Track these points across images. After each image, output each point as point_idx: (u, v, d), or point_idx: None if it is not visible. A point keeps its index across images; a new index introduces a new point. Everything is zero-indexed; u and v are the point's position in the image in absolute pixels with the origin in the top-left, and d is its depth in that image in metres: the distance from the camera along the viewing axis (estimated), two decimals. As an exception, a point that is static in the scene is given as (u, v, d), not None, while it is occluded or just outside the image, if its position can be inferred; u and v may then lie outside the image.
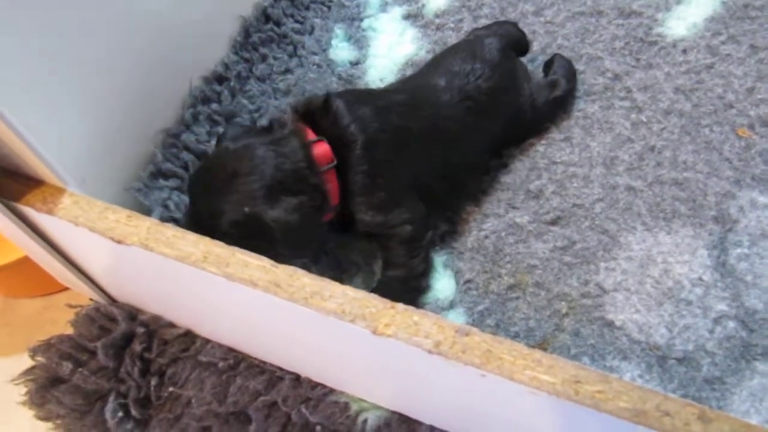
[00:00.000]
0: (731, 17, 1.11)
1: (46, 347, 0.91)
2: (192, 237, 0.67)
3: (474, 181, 0.99)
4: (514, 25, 1.09)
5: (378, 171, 0.85)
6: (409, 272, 0.88)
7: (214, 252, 0.66)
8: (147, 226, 0.68)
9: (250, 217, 0.78)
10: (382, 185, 0.86)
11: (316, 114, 0.86)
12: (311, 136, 0.84)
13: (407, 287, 0.89)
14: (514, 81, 1.00)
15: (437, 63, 0.99)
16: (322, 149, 0.83)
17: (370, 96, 0.91)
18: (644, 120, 1.02)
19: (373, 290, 0.83)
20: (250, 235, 0.77)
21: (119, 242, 0.68)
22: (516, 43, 1.04)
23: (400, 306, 0.62)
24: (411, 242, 0.88)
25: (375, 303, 0.62)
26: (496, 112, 0.97)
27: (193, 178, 0.88)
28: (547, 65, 1.08)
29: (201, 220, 0.81)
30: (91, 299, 0.95)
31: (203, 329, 0.88)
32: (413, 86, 0.95)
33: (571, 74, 1.06)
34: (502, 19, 1.13)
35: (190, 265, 0.66)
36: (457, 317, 0.89)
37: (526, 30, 1.10)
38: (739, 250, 0.91)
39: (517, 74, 1.01)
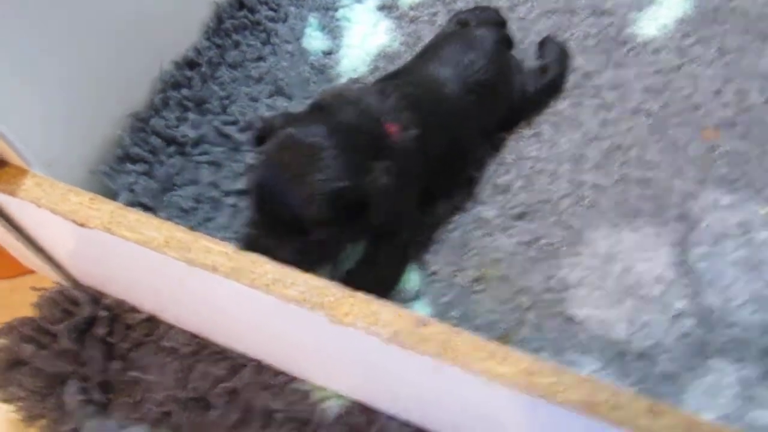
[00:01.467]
0: (702, 19, 1.12)
1: (8, 329, 0.90)
2: (155, 221, 0.67)
3: (467, 172, 1.00)
4: (496, 11, 1.09)
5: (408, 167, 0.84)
6: (388, 272, 0.89)
7: (176, 237, 0.66)
8: (110, 209, 0.68)
9: (344, 191, 0.73)
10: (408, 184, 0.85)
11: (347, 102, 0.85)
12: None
13: (384, 286, 0.88)
14: (508, 74, 1.01)
15: (437, 53, 0.99)
16: (394, 128, 0.82)
17: (388, 89, 0.89)
18: (612, 118, 1.04)
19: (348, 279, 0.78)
20: (346, 213, 0.74)
21: (82, 225, 0.68)
22: (503, 36, 1.05)
23: (360, 295, 0.62)
24: (400, 245, 0.89)
25: (334, 292, 0.62)
26: (493, 104, 0.98)
27: (259, 177, 0.77)
28: (540, 48, 1.10)
29: (280, 217, 0.74)
30: (55, 282, 0.94)
31: (166, 314, 0.88)
32: (419, 79, 0.95)
33: (562, 58, 1.07)
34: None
35: (152, 249, 0.66)
36: (422, 308, 0.90)
37: (499, 26, 1.10)
38: (700, 250, 0.93)
39: (510, 67, 1.02)
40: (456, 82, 0.94)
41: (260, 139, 0.80)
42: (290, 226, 0.71)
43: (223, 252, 0.65)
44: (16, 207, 0.74)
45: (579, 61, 1.09)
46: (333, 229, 0.73)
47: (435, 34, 1.11)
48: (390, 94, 0.87)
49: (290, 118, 0.80)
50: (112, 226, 0.67)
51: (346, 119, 0.79)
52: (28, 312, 0.92)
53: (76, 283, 0.92)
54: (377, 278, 0.88)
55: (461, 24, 1.07)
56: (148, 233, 0.66)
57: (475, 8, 1.10)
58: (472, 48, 0.98)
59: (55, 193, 0.70)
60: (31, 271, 1.02)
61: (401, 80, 0.94)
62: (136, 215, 0.68)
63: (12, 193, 0.70)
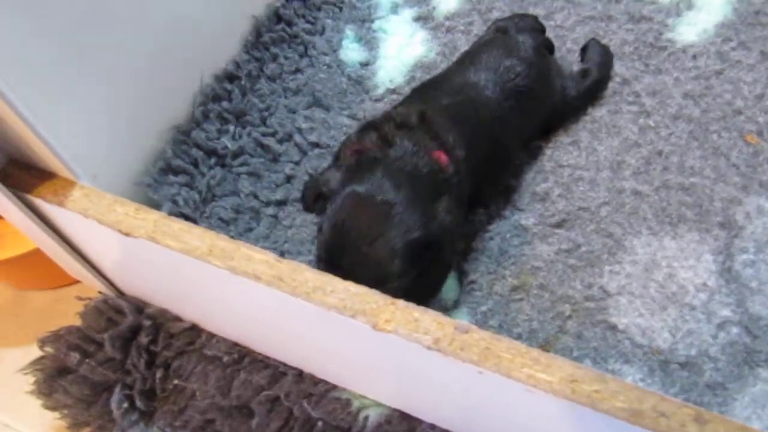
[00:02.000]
0: (742, 23, 1.11)
1: (54, 338, 0.92)
2: (198, 230, 0.68)
3: (506, 180, 1.00)
4: (535, 18, 1.09)
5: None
6: (430, 281, 0.86)
7: (219, 246, 0.67)
8: (154, 219, 0.70)
9: (418, 242, 0.75)
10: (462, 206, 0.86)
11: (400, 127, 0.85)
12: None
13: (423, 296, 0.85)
14: (548, 79, 1.00)
15: (475, 58, 0.99)
16: (438, 155, 0.83)
17: (434, 101, 0.91)
18: (652, 125, 1.03)
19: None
20: (423, 261, 0.76)
21: (127, 235, 0.69)
22: (543, 41, 1.05)
23: (401, 302, 0.62)
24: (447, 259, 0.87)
25: (376, 299, 0.63)
26: (533, 110, 0.98)
27: (331, 240, 0.77)
28: (583, 51, 1.09)
29: (358, 278, 0.69)
30: (99, 292, 0.96)
31: (208, 323, 0.89)
32: (459, 85, 0.95)
33: (604, 61, 1.07)
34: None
35: (196, 258, 0.67)
36: (461, 317, 0.90)
37: (535, 34, 1.10)
38: (744, 256, 0.91)
39: (551, 71, 1.02)
40: (495, 87, 0.94)
41: (312, 199, 0.85)
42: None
43: (264, 260, 0.65)
44: (63, 217, 0.76)
45: (617, 68, 1.08)
46: (411, 279, 0.74)
47: (471, 44, 1.12)
48: (429, 115, 0.87)
49: (345, 176, 0.80)
50: (156, 236, 0.68)
51: (402, 164, 0.79)
52: (73, 321, 0.94)
53: (120, 293, 0.94)
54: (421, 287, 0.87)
55: (500, 32, 1.07)
56: (191, 242, 0.67)
57: (514, 16, 1.11)
58: (511, 53, 0.97)
59: (101, 203, 0.71)
60: (76, 282, 1.05)
61: (438, 90, 0.95)
62: (179, 224, 0.69)
63: (60, 204, 0.72)
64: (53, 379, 0.89)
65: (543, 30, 1.08)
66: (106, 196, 0.72)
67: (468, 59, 1.01)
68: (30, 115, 0.70)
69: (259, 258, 0.66)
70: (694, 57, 1.08)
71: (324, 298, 0.63)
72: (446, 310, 0.91)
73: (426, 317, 0.61)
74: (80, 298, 0.95)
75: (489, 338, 0.60)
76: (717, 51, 1.08)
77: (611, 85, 1.07)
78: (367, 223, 0.75)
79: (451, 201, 0.79)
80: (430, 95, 0.94)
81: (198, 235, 0.68)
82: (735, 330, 0.86)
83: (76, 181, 0.75)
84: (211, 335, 0.90)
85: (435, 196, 0.79)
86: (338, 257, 0.75)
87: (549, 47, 1.06)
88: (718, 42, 1.09)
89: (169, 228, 0.69)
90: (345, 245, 0.75)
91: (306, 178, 1.02)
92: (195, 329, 0.91)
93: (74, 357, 0.89)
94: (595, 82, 1.05)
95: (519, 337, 0.88)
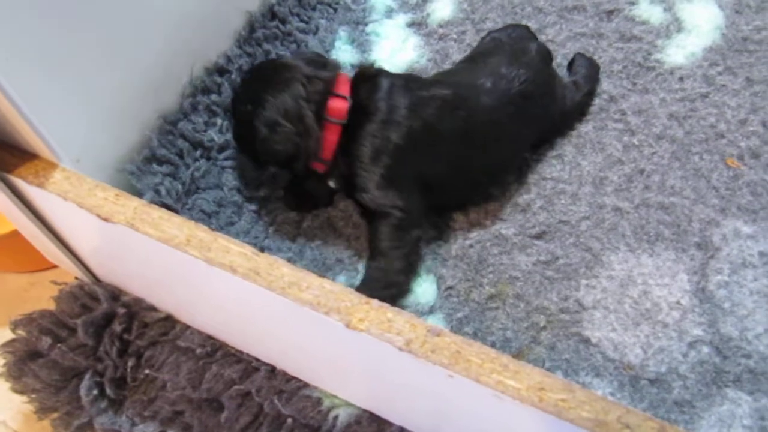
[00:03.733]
0: (729, 49, 1.12)
1: (27, 321, 0.91)
2: (177, 219, 0.68)
3: (497, 185, 1.01)
4: (527, 29, 1.11)
5: (386, 150, 0.88)
6: (390, 265, 0.89)
7: (197, 236, 0.67)
8: (134, 206, 0.69)
9: (247, 115, 0.90)
10: (385, 164, 0.88)
11: (365, 80, 0.91)
12: (343, 90, 0.90)
13: (388, 281, 0.89)
14: (552, 87, 1.01)
15: (482, 61, 1.00)
16: (339, 104, 0.89)
17: (416, 83, 0.93)
18: (636, 143, 1.04)
19: (357, 287, 0.85)
20: (246, 129, 0.90)
21: (106, 220, 0.69)
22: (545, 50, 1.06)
23: (375, 302, 0.63)
24: (397, 230, 0.89)
25: (350, 297, 0.63)
26: (534, 117, 0.98)
27: (253, 68, 0.97)
28: (570, 65, 1.11)
29: (236, 98, 0.95)
30: (76, 278, 0.96)
31: (184, 315, 0.89)
32: (458, 82, 0.96)
33: (591, 74, 1.08)
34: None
35: (173, 247, 0.67)
36: (436, 323, 0.90)
37: (526, 46, 1.12)
38: (719, 278, 0.92)
39: (554, 80, 1.03)
40: (497, 91, 0.94)
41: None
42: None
43: (241, 253, 0.66)
44: (43, 199, 0.75)
45: (605, 85, 1.09)
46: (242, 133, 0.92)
47: (462, 52, 1.13)
48: (410, 89, 0.90)
49: (304, 56, 0.95)
50: (135, 222, 0.68)
51: (309, 82, 0.89)
52: (47, 305, 0.93)
53: (96, 279, 0.94)
54: (387, 271, 0.90)
55: (495, 42, 1.08)
56: (170, 231, 0.67)
57: (507, 27, 1.12)
58: (518, 59, 0.98)
59: (82, 187, 0.71)
60: (53, 267, 1.04)
61: (442, 78, 0.97)
62: (159, 212, 0.69)
63: (41, 185, 0.72)
64: (23, 362, 0.89)
65: (535, 40, 1.09)
66: (87, 180, 0.72)
67: (475, 58, 1.02)
68: (15, 95, 0.69)
69: (237, 250, 0.66)
70: (681, 79, 1.10)
71: (299, 293, 0.63)
72: (422, 314, 0.91)
73: (399, 318, 0.62)
74: (56, 283, 0.94)
75: (460, 342, 0.60)
76: (704, 74, 1.10)
77: (598, 101, 1.08)
78: (261, 78, 0.92)
79: (292, 136, 0.88)
80: (430, 83, 0.94)
81: (177, 224, 0.68)
82: (705, 349, 0.87)
83: (57, 164, 0.75)
84: (186, 327, 0.90)
85: (289, 120, 0.88)
86: (244, 79, 0.96)
87: (549, 56, 1.07)
88: (705, 66, 1.11)
89: (148, 216, 0.69)
90: (248, 75, 0.96)
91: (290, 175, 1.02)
92: (170, 320, 0.91)
93: (46, 341, 0.88)
94: (585, 95, 1.06)
95: (493, 346, 0.88)
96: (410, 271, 0.92)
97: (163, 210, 0.69)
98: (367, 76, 0.92)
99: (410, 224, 0.90)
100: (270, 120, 0.88)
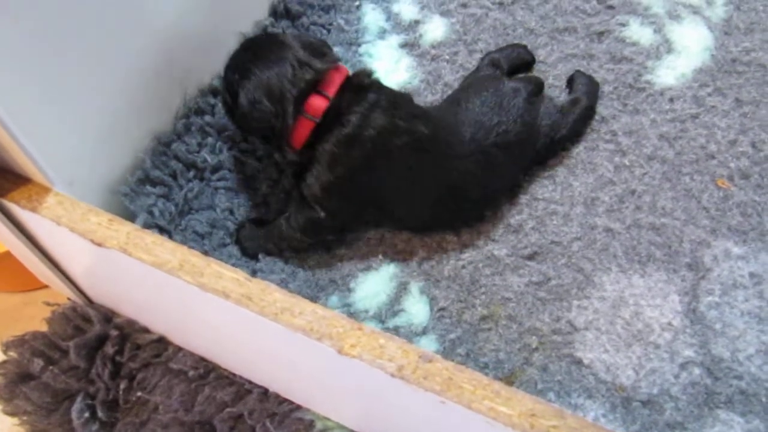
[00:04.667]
0: (719, 70, 1.13)
1: (19, 342, 0.91)
2: (170, 244, 0.68)
3: (462, 220, 1.01)
4: (526, 49, 1.13)
5: (342, 162, 0.90)
6: (291, 239, 0.96)
7: (190, 261, 0.67)
8: (127, 231, 0.70)
9: (233, 84, 0.91)
10: (338, 174, 0.90)
11: (354, 87, 0.91)
12: (328, 89, 0.89)
13: (280, 245, 0.97)
14: (534, 130, 1.01)
15: (466, 104, 0.99)
16: (319, 102, 0.89)
17: (401, 109, 0.93)
18: (627, 163, 1.04)
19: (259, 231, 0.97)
20: (231, 97, 0.92)
21: (99, 245, 0.69)
22: (536, 85, 1.06)
23: (367, 327, 0.63)
24: (314, 225, 0.94)
25: (342, 323, 0.63)
26: (506, 165, 0.98)
27: (250, 39, 0.99)
28: (569, 82, 1.12)
29: (227, 65, 0.94)
30: (68, 298, 0.96)
31: (176, 337, 0.89)
32: (439, 124, 0.95)
33: (591, 90, 1.09)
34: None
35: (166, 272, 0.67)
36: (429, 344, 0.90)
37: (518, 67, 1.13)
38: (710, 298, 0.93)
39: (536, 120, 1.01)
40: (473, 141, 0.95)
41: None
42: None
43: (234, 278, 0.66)
44: (36, 223, 0.76)
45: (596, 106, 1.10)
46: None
47: (455, 72, 1.14)
48: (393, 114, 0.90)
49: (305, 40, 0.94)
50: (128, 247, 0.68)
51: (300, 69, 0.89)
52: (39, 325, 0.93)
53: (89, 301, 0.94)
54: (285, 239, 0.96)
55: (494, 64, 1.09)
56: (163, 256, 0.68)
57: (506, 47, 1.13)
58: (501, 106, 0.98)
59: (75, 212, 0.71)
60: (46, 286, 1.04)
61: (430, 111, 0.98)
62: (152, 237, 0.69)
63: (34, 210, 0.72)
64: (15, 384, 0.88)
65: (533, 60, 1.12)
66: (80, 205, 0.72)
67: (462, 98, 1.02)
68: (7, 119, 0.70)
69: (229, 276, 0.66)
70: (671, 100, 1.11)
71: (291, 319, 0.63)
72: (415, 335, 0.91)
73: (391, 344, 0.62)
74: (49, 304, 0.94)
75: (452, 368, 0.61)
76: (694, 95, 1.11)
77: (590, 122, 1.08)
78: (256, 52, 0.92)
79: (269, 118, 0.89)
80: (414, 114, 0.94)
81: (170, 249, 0.68)
82: (697, 371, 0.87)
83: (51, 188, 0.75)
84: (178, 348, 0.90)
85: (270, 100, 0.88)
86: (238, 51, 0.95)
87: (539, 86, 1.07)
88: (695, 87, 1.12)
89: (141, 240, 0.69)
90: (242, 47, 0.95)
91: (282, 196, 1.02)
92: (162, 341, 0.91)
93: (38, 363, 0.88)
94: (585, 109, 1.06)
95: (485, 367, 0.88)
96: (299, 250, 0.98)
97: (156, 235, 0.69)
98: (358, 85, 0.92)
99: (327, 228, 0.96)
100: (252, 94, 0.89)
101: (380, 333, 0.63)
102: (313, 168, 0.91)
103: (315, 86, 0.89)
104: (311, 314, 0.64)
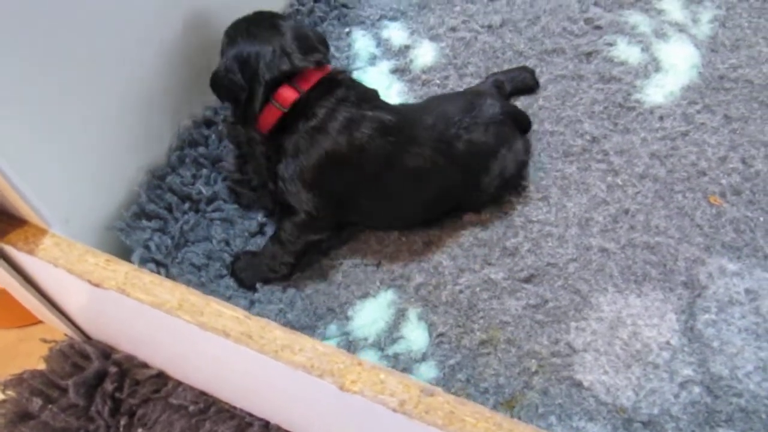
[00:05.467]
0: (707, 87, 1.15)
1: (17, 381, 0.91)
2: (168, 284, 0.69)
3: (430, 216, 1.03)
4: (532, 74, 1.16)
5: (309, 153, 0.92)
6: (281, 255, 0.96)
7: (189, 300, 0.67)
8: (125, 271, 0.70)
9: (222, 44, 0.95)
10: (303, 165, 0.92)
11: (326, 82, 0.93)
12: (303, 83, 0.92)
13: (272, 266, 0.97)
14: (486, 163, 1.00)
15: (438, 101, 1.03)
16: (288, 94, 0.92)
17: (369, 103, 0.95)
18: (620, 183, 1.05)
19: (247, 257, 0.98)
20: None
21: (97, 286, 0.69)
22: (522, 121, 1.07)
23: (367, 363, 0.63)
24: (299, 229, 0.95)
25: (343, 359, 0.63)
26: (463, 165, 0.99)
27: (256, 13, 0.99)
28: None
29: (228, 28, 0.97)
30: (65, 334, 0.95)
31: (175, 371, 0.88)
32: (405, 112, 0.98)
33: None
34: (486, 76, 1.17)
35: (165, 312, 0.67)
36: (429, 370, 0.90)
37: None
38: (706, 316, 0.93)
39: (495, 157, 1.00)
40: (433, 131, 0.96)
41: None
42: None
43: (234, 317, 0.66)
44: (32, 264, 0.75)
45: (587, 126, 1.11)
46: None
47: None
48: (360, 106, 0.93)
49: (296, 27, 0.97)
50: (126, 288, 0.68)
51: (278, 57, 0.91)
52: (37, 362, 0.93)
53: (86, 337, 0.93)
54: (275, 258, 0.97)
55: (497, 85, 1.11)
56: (161, 296, 0.68)
57: (513, 70, 1.16)
58: (472, 108, 1.00)
59: (72, 253, 0.71)
60: (41, 321, 1.03)
61: (399, 106, 1.00)
62: (150, 277, 0.69)
63: (31, 252, 0.72)
64: (14, 424, 0.88)
65: (536, 86, 1.15)
66: (77, 246, 0.72)
67: (434, 99, 1.05)
68: (2, 161, 0.70)
69: (229, 314, 0.66)
70: (661, 118, 1.12)
71: (292, 356, 0.63)
72: (415, 362, 0.91)
73: (392, 378, 0.62)
74: (45, 341, 0.94)
75: (453, 402, 0.61)
76: (683, 113, 1.12)
77: (581, 142, 1.09)
78: (249, 26, 0.95)
79: (240, 95, 0.93)
80: (380, 107, 0.96)
81: (168, 289, 0.68)
82: (696, 389, 0.88)
83: (47, 229, 0.75)
84: (178, 383, 0.90)
85: (244, 77, 0.92)
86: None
87: (525, 124, 1.08)
88: (684, 104, 1.13)
89: (139, 280, 0.69)
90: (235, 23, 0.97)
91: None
92: (161, 376, 0.90)
93: (36, 402, 0.88)
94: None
95: (486, 392, 0.88)
96: (295, 265, 0.98)
97: (155, 275, 0.69)
98: (330, 80, 0.94)
99: (312, 228, 0.96)
100: (230, 62, 0.92)
101: (381, 368, 0.63)
102: (282, 159, 0.94)
103: (289, 78, 0.92)
104: (311, 351, 0.64)
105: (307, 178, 0.93)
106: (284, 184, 0.94)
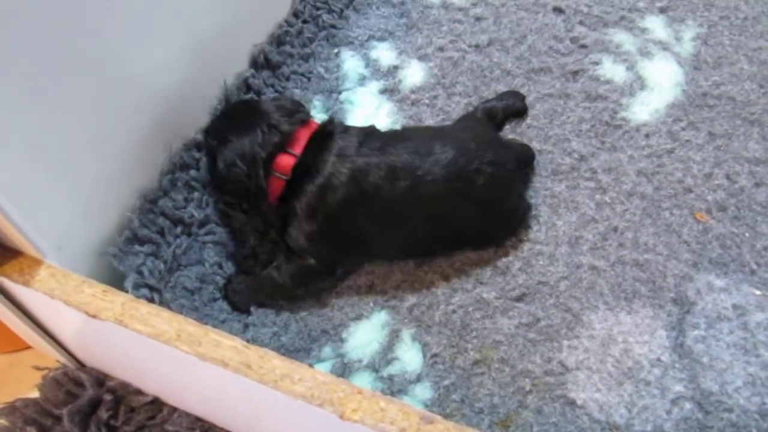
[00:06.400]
0: (691, 105, 1.17)
1: (10, 410, 0.90)
2: (166, 314, 0.69)
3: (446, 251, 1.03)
4: (522, 100, 1.16)
5: (320, 210, 0.94)
6: (287, 290, 0.98)
7: (187, 330, 0.67)
8: (122, 302, 0.70)
9: (212, 149, 0.98)
10: (317, 221, 0.94)
11: (319, 138, 0.96)
12: (296, 147, 0.94)
13: (277, 294, 0.99)
14: (507, 192, 1.00)
15: (453, 133, 1.02)
16: (286, 161, 0.94)
17: (371, 145, 0.95)
18: (608, 201, 1.07)
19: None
20: (211, 160, 0.99)
21: (94, 317, 0.69)
22: (525, 159, 1.08)
23: (367, 391, 0.63)
24: (307, 274, 0.97)
25: (342, 387, 0.64)
26: (481, 203, 0.97)
27: (230, 105, 1.07)
28: None
29: (207, 129, 1.02)
30: (58, 361, 0.95)
31: (171, 397, 0.88)
32: (415, 148, 0.96)
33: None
34: (476, 97, 1.18)
35: (163, 342, 0.67)
36: (424, 391, 0.91)
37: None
38: (696, 332, 0.95)
39: (514, 188, 1.02)
40: (450, 167, 0.94)
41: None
42: None
43: (232, 346, 0.66)
44: (27, 295, 0.75)
45: (574, 145, 1.12)
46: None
47: (435, 116, 1.16)
48: (361, 153, 0.94)
49: (279, 101, 1.02)
50: (124, 319, 0.68)
51: (269, 132, 0.94)
52: (28, 388, 0.92)
53: (80, 364, 0.93)
54: (281, 290, 0.98)
55: (488, 114, 1.11)
56: (159, 326, 0.68)
57: (502, 95, 1.16)
58: (488, 145, 0.98)
59: (69, 284, 0.71)
60: (31, 346, 1.03)
61: (397, 142, 0.98)
62: (147, 308, 0.69)
63: (26, 284, 0.72)
64: (7, 454, 0.87)
65: (525, 110, 1.16)
66: (73, 277, 0.72)
67: (448, 129, 1.05)
68: (-4, 194, 0.70)
69: (227, 344, 0.66)
70: (647, 136, 1.13)
71: (291, 386, 0.64)
72: (410, 383, 0.92)
73: (392, 407, 0.63)
74: (38, 368, 0.93)
75: (453, 428, 0.61)
76: (668, 130, 1.14)
77: (569, 160, 1.11)
78: (233, 118, 0.99)
79: (243, 180, 0.94)
80: (383, 148, 0.95)
81: (166, 319, 0.68)
82: (688, 405, 0.89)
83: (42, 260, 0.75)
84: (173, 409, 0.89)
85: (243, 161, 0.94)
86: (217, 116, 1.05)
87: (528, 157, 1.08)
88: (669, 122, 1.15)
89: (137, 311, 0.69)
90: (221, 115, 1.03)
91: (271, 246, 1.03)
92: (156, 403, 0.90)
93: (31, 432, 0.87)
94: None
95: (480, 412, 0.89)
96: (292, 299, 1.00)
97: (152, 305, 0.69)
98: (322, 134, 0.96)
99: (320, 274, 0.98)
100: (228, 159, 0.94)
101: (380, 396, 0.63)
102: (293, 221, 0.95)
103: (282, 146, 0.94)
104: (311, 380, 0.64)
105: (321, 230, 0.95)
106: (295, 241, 0.96)
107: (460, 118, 1.13)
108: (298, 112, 0.98)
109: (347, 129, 0.98)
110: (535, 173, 1.10)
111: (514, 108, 1.15)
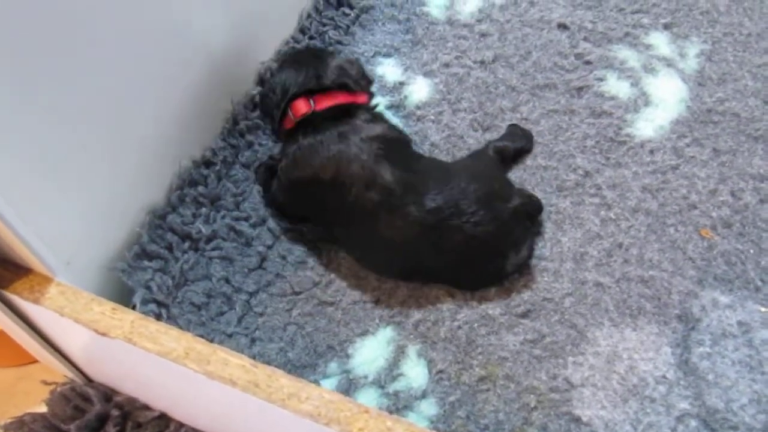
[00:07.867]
0: (695, 121, 1.17)
1: (18, 425, 0.91)
2: (174, 332, 0.69)
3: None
4: (530, 140, 1.15)
5: (296, 167, 0.99)
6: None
7: (195, 349, 0.68)
8: (131, 320, 0.70)
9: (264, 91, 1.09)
10: (287, 179, 1.01)
11: (341, 113, 1.00)
12: (320, 104, 0.99)
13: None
14: (495, 253, 0.98)
15: (458, 181, 0.97)
16: (300, 106, 1.00)
17: (375, 147, 0.97)
18: (613, 217, 1.07)
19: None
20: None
21: (104, 335, 0.70)
22: (530, 212, 1.03)
23: (374, 410, 0.64)
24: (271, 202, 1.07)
25: (349, 406, 0.64)
26: (454, 256, 0.97)
27: (308, 45, 1.23)
28: None
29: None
30: (65, 376, 0.95)
31: (178, 413, 0.89)
32: (411, 179, 0.96)
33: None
34: (481, 113, 1.19)
35: (172, 360, 0.67)
36: (429, 408, 0.91)
37: (502, 125, 1.16)
38: (701, 349, 0.95)
39: (507, 251, 0.98)
40: (433, 214, 0.94)
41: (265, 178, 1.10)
42: None
43: (240, 365, 0.67)
44: (37, 312, 0.76)
45: (579, 161, 1.13)
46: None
47: (440, 132, 1.16)
48: (363, 139, 0.97)
49: (329, 55, 1.08)
50: (133, 337, 0.69)
51: (308, 73, 1.01)
52: (35, 401, 0.93)
53: (87, 379, 0.93)
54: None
55: (500, 153, 1.09)
56: (168, 344, 0.68)
57: (514, 135, 1.14)
58: (485, 203, 0.95)
59: (78, 302, 0.72)
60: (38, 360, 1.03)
61: (413, 163, 1.00)
62: (156, 326, 0.70)
63: (36, 301, 0.73)
64: (15, 469, 0.88)
65: (531, 147, 1.15)
66: (83, 295, 0.73)
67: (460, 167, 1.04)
68: (6, 212, 0.71)
69: (236, 363, 0.67)
70: (652, 152, 1.14)
71: (299, 405, 0.64)
72: (415, 399, 0.92)
73: (398, 426, 0.63)
74: (46, 383, 0.94)
75: (460, 448, 0.62)
76: (673, 147, 1.14)
77: (574, 177, 1.11)
78: (296, 56, 1.09)
79: (272, 103, 1.04)
80: (388, 156, 0.97)
81: (174, 337, 0.69)
82: (693, 423, 0.89)
83: (52, 278, 0.75)
84: (180, 425, 0.90)
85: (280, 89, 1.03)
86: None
87: (534, 210, 1.03)
88: (673, 138, 1.15)
89: (146, 329, 0.69)
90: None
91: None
92: (163, 418, 0.90)
93: (38, 447, 0.87)
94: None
95: (486, 429, 0.89)
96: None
97: (161, 324, 0.70)
98: (348, 109, 1.01)
99: (280, 207, 1.07)
100: (271, 84, 1.04)
101: (387, 415, 0.64)
102: (284, 159, 1.02)
103: (311, 93, 1.00)
104: (318, 399, 0.65)
105: (287, 187, 1.02)
106: (278, 180, 1.03)
107: (471, 154, 1.11)
108: (348, 77, 1.02)
109: (376, 119, 1.02)
110: (539, 188, 1.10)
111: (526, 149, 1.14)
